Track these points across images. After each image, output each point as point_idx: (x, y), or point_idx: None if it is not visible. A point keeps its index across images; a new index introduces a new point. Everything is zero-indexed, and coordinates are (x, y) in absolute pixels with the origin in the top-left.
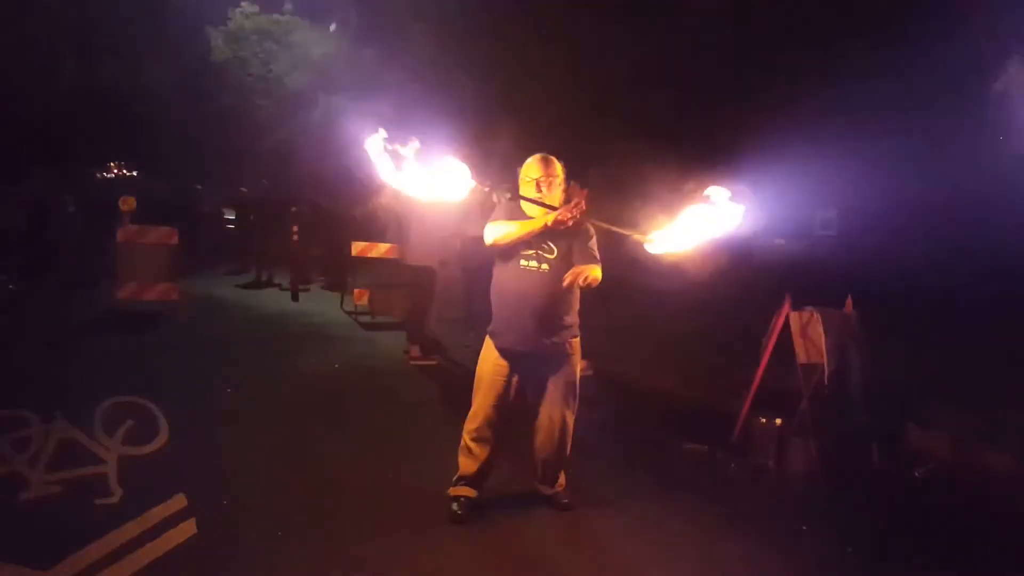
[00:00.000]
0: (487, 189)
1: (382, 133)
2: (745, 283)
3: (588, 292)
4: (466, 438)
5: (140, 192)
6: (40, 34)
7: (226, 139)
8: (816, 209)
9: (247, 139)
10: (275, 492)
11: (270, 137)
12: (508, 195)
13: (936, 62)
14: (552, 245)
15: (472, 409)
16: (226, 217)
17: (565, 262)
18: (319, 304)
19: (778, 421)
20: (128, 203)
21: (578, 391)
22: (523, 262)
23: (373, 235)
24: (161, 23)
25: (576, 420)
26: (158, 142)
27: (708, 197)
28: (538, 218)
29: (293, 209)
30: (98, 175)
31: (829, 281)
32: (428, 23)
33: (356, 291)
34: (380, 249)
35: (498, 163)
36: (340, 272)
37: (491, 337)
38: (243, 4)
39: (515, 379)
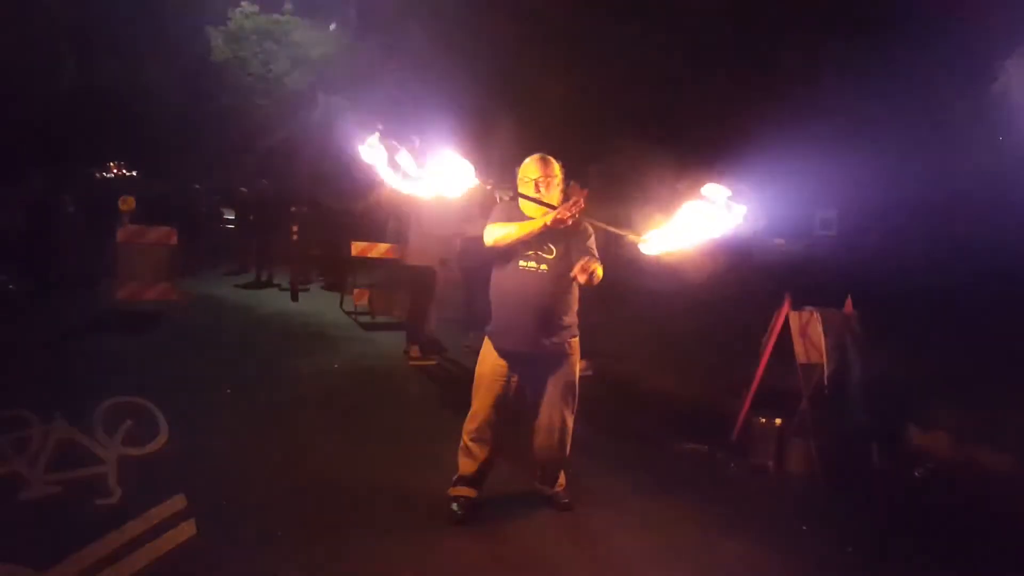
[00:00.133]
0: (489, 187)
1: (377, 134)
2: (745, 283)
3: (587, 292)
4: (466, 438)
5: (140, 192)
6: (40, 34)
7: (226, 139)
8: (816, 209)
9: (247, 139)
10: (275, 492)
11: (270, 137)
12: (508, 195)
13: (936, 63)
14: (551, 245)
15: (472, 409)
16: (225, 217)
17: (564, 262)
18: (319, 304)
19: (778, 421)
20: (128, 203)
21: (578, 391)
22: (522, 262)
23: (373, 231)
24: (161, 23)
25: (576, 420)
26: (158, 142)
27: (703, 196)
28: (537, 219)
29: (293, 209)
30: (98, 175)
31: (829, 281)
32: (428, 23)
33: (356, 291)
34: (380, 249)
35: (498, 162)
36: (340, 272)
37: (490, 337)
38: (243, 4)
39: (515, 379)
